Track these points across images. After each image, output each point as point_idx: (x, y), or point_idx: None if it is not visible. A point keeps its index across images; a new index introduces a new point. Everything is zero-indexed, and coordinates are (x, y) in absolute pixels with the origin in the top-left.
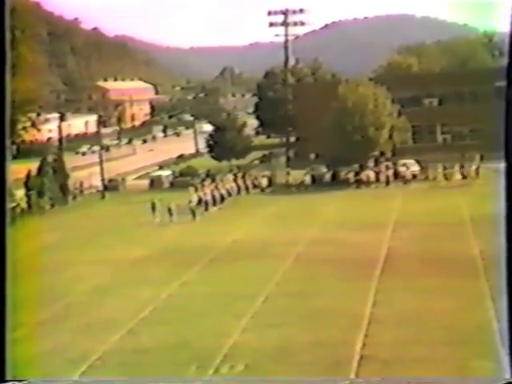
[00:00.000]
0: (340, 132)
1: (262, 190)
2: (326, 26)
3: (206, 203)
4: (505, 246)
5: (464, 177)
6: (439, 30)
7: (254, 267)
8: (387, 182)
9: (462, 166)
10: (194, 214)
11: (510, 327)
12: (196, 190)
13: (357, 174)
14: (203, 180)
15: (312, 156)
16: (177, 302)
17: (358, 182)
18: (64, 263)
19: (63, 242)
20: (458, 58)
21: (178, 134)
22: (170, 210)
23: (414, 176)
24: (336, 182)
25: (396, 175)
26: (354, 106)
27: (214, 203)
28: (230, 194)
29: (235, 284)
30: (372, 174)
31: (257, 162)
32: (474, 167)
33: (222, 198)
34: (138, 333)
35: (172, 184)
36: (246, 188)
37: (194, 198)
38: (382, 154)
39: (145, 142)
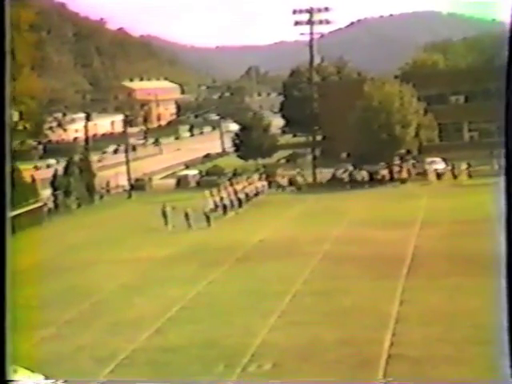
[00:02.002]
0: (366, 130)
1: (285, 188)
2: (352, 23)
3: (225, 207)
4: (505, 246)
5: (490, 174)
6: (466, 27)
7: (281, 266)
8: (413, 180)
9: (487, 164)
10: (208, 220)
11: (510, 327)
12: (211, 194)
13: (384, 171)
14: (230, 179)
15: (338, 155)
16: (204, 300)
17: (384, 180)
18: (91, 262)
19: (90, 241)
20: (484, 54)
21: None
22: (186, 215)
23: (441, 174)
24: (363, 181)
25: (422, 173)
26: (379, 105)
27: (232, 207)
28: (256, 194)
29: (262, 283)
30: (399, 172)
31: (283, 161)
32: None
33: (240, 202)
34: (166, 332)
35: (198, 183)
36: (273, 187)
37: (210, 203)
38: (408, 152)
39: (177, 138)
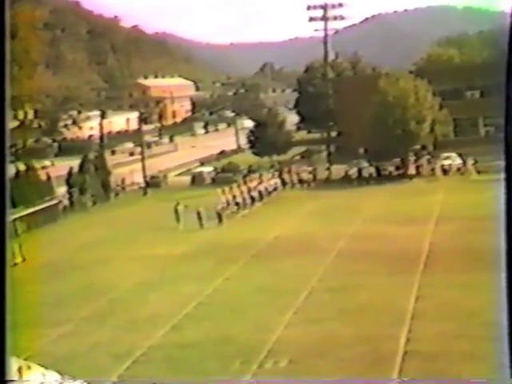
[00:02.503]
0: (381, 126)
1: (299, 185)
2: (366, 19)
3: (237, 205)
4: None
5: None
6: (481, 20)
7: (297, 263)
8: (429, 176)
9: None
10: (220, 218)
11: (510, 327)
12: (224, 192)
13: (398, 168)
14: (245, 176)
15: (353, 151)
16: (220, 297)
17: (400, 176)
18: (107, 259)
19: (106, 238)
20: (500, 48)
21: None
22: (198, 214)
23: (448, 170)
24: (377, 177)
25: (437, 169)
26: (394, 100)
27: (245, 205)
28: (269, 192)
29: (278, 279)
30: (413, 168)
31: (298, 157)
32: None
33: (253, 200)
34: (182, 328)
35: (214, 180)
36: (288, 184)
37: (222, 202)
38: (423, 147)
39: (193, 135)
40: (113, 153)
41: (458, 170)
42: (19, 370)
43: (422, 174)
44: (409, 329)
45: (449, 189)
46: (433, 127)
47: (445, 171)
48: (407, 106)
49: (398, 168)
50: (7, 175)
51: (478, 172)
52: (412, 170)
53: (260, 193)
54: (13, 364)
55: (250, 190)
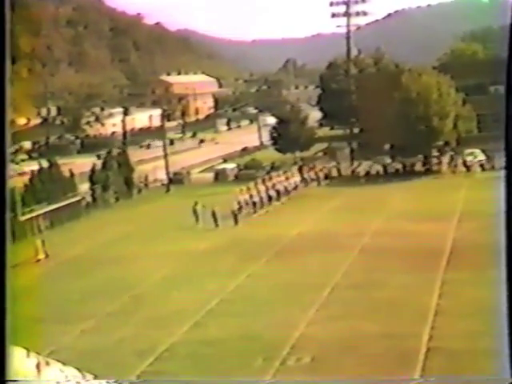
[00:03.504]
0: (404, 122)
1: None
2: (389, 15)
3: (254, 205)
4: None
5: None
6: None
7: (320, 259)
8: (452, 172)
9: None
10: (236, 218)
11: (510, 327)
12: (241, 191)
13: (421, 164)
14: (268, 172)
15: (376, 147)
16: (244, 293)
17: (422, 173)
18: (130, 256)
19: (129, 235)
20: None
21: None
22: (214, 213)
23: (480, 166)
24: (400, 173)
25: (460, 165)
26: (417, 96)
27: (262, 205)
28: (287, 192)
29: (301, 276)
30: (436, 164)
31: (320, 154)
32: None
33: (270, 199)
34: (206, 325)
35: (236, 177)
36: (310, 180)
37: (238, 201)
38: (446, 143)
39: (216, 132)
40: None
41: (482, 166)
42: (37, 366)
43: (444, 170)
44: (432, 326)
45: (472, 185)
46: (456, 123)
47: (468, 167)
48: (430, 102)
49: (421, 164)
50: (7, 175)
51: (483, 169)
52: (435, 167)
53: (278, 192)
54: (31, 360)
55: (268, 189)
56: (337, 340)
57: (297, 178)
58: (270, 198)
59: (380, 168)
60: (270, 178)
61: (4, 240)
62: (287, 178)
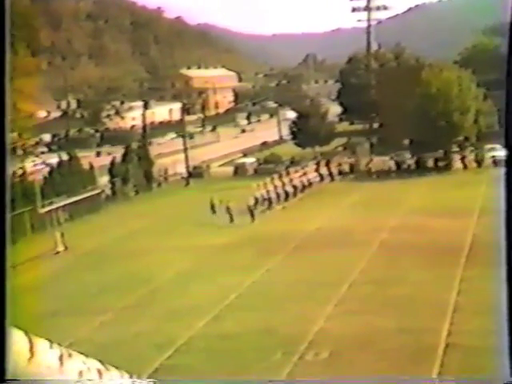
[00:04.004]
0: (424, 117)
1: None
2: (410, 9)
3: (270, 201)
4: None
5: None
6: None
7: (338, 254)
8: (472, 168)
9: None
10: (252, 214)
11: (510, 327)
12: (258, 187)
13: (441, 159)
14: (287, 167)
15: (396, 142)
16: (261, 288)
17: (442, 168)
18: (149, 249)
19: (148, 228)
20: None
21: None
22: (228, 209)
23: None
24: (420, 168)
25: (480, 161)
26: (437, 91)
27: (278, 200)
28: (303, 187)
29: (319, 271)
30: (456, 160)
31: (340, 148)
32: None
33: (287, 195)
34: (224, 319)
35: (256, 171)
36: (329, 175)
37: (255, 197)
38: (466, 139)
39: (236, 126)
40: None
41: (501, 162)
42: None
43: (465, 166)
44: (450, 322)
45: (492, 181)
46: (477, 118)
47: (488, 163)
48: (451, 97)
49: (440, 160)
50: (7, 174)
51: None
52: (455, 162)
53: (295, 187)
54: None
55: (284, 185)
56: (355, 335)
57: (315, 174)
58: (287, 194)
59: (399, 163)
60: (288, 173)
61: (4, 239)
62: (305, 174)
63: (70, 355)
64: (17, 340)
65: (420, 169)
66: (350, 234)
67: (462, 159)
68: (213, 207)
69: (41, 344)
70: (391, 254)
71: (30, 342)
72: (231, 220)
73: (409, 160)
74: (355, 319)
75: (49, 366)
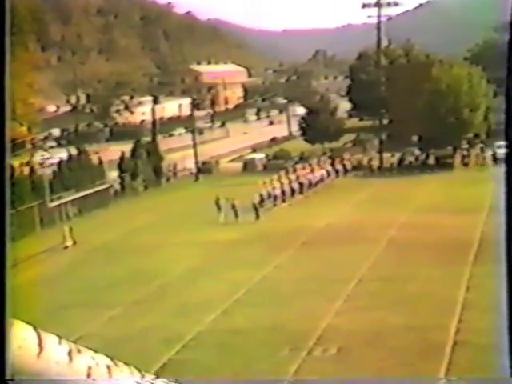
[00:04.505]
0: (433, 114)
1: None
2: (420, 5)
3: (275, 198)
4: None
5: None
6: None
7: (347, 251)
8: (481, 165)
9: None
10: (257, 212)
11: (510, 327)
12: (265, 184)
13: (450, 156)
14: (296, 163)
15: (405, 139)
16: (270, 284)
17: (452, 165)
18: (158, 244)
19: (157, 223)
20: None
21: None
22: (234, 206)
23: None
24: (429, 165)
25: (490, 158)
26: (447, 88)
27: (284, 198)
28: (310, 185)
29: (328, 267)
30: (466, 157)
31: (349, 144)
32: None
33: (293, 192)
34: (232, 314)
35: (265, 167)
36: (339, 172)
37: (260, 194)
38: (476, 135)
39: (245, 121)
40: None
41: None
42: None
43: (474, 162)
44: (459, 319)
45: (501, 178)
46: (487, 115)
47: (498, 160)
48: (460, 94)
49: (450, 156)
50: (7, 173)
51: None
52: (465, 159)
53: (301, 185)
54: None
55: (291, 182)
56: (363, 332)
57: (323, 171)
58: (293, 191)
59: (408, 159)
60: (295, 170)
61: (4, 239)
62: (312, 171)
63: (79, 350)
64: (25, 335)
65: (429, 165)
66: (359, 230)
67: (470, 156)
68: (218, 205)
69: (49, 339)
70: (400, 251)
71: (39, 336)
72: (236, 218)
73: (418, 156)
74: (364, 315)
75: (58, 362)
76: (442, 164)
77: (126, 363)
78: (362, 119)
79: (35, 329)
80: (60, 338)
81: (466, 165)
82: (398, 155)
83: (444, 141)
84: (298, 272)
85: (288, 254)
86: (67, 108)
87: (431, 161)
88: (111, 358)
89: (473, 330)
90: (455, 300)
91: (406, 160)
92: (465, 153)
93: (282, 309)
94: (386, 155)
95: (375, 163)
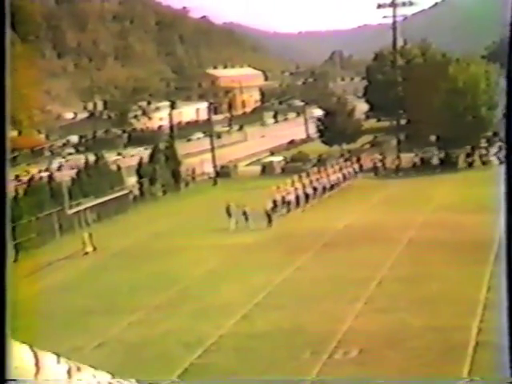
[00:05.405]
0: (451, 113)
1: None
2: (436, 4)
3: (289, 204)
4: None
5: None
6: None
7: (367, 252)
8: (501, 163)
9: None
10: (270, 219)
11: (510, 326)
12: (278, 189)
13: (469, 155)
14: (314, 165)
15: (423, 139)
16: (291, 286)
17: (470, 164)
18: (178, 249)
19: (176, 227)
20: None
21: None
22: (245, 213)
23: None
24: (447, 165)
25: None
26: (464, 86)
27: (298, 204)
28: (324, 189)
29: (348, 269)
30: (485, 155)
31: (367, 146)
32: None
33: (307, 197)
34: (253, 318)
35: (283, 170)
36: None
37: (273, 200)
38: (495, 134)
39: (262, 125)
40: None
41: None
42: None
43: (493, 161)
44: (480, 319)
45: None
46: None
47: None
48: (478, 92)
49: (468, 155)
50: (7, 175)
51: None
52: (483, 158)
53: (315, 189)
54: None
55: (305, 187)
56: (384, 333)
57: (339, 174)
58: (307, 197)
59: (426, 159)
60: (300, 178)
61: (4, 239)
62: (328, 175)
63: (78, 369)
64: (21, 355)
65: (447, 165)
66: (378, 231)
67: (489, 155)
68: (228, 212)
69: (47, 358)
70: (420, 251)
71: (36, 356)
72: (247, 224)
73: (436, 156)
74: (384, 317)
75: (56, 381)
76: (461, 163)
77: (133, 379)
78: (379, 120)
79: (32, 349)
80: (59, 356)
81: (484, 163)
82: (416, 155)
83: (462, 140)
84: (318, 274)
85: (308, 255)
86: (84, 115)
87: (449, 160)
88: (113, 375)
89: (494, 330)
90: (476, 300)
91: (424, 160)
92: (484, 151)
93: (303, 311)
94: (404, 155)
95: (393, 164)
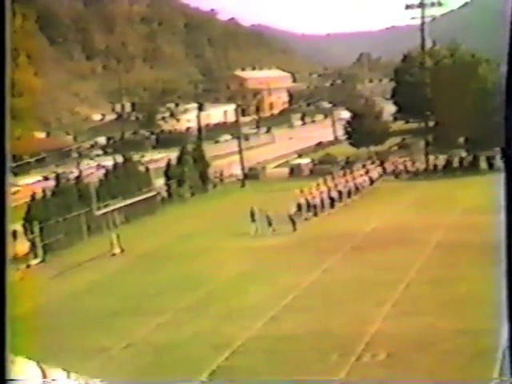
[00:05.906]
0: (480, 114)
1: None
2: (465, 4)
3: (315, 207)
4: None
5: None
6: None
7: (395, 254)
8: None
9: None
10: (294, 223)
11: (510, 326)
12: (302, 192)
13: (499, 157)
14: (342, 168)
15: (452, 140)
16: (319, 288)
17: (500, 166)
18: (206, 250)
19: (204, 229)
20: None
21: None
22: (268, 218)
23: None
24: (476, 166)
25: None
26: (494, 87)
27: (323, 208)
28: (349, 193)
29: (376, 271)
30: None
31: (395, 148)
32: None
33: (333, 202)
34: (281, 320)
35: (311, 172)
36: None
37: (296, 204)
38: None
39: (290, 127)
40: None
41: None
42: None
43: None
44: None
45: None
46: None
47: None
48: None
49: (498, 157)
50: (7, 176)
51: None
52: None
53: (340, 193)
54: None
55: (330, 190)
56: (412, 336)
57: (365, 177)
58: (332, 200)
59: (455, 161)
60: (325, 181)
61: (4, 239)
62: (354, 178)
63: None
64: (28, 372)
65: (476, 167)
66: (406, 233)
67: None
68: (253, 216)
69: (56, 375)
70: (448, 253)
71: (43, 373)
72: (270, 229)
73: (465, 158)
74: (412, 320)
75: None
76: (489, 165)
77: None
78: (407, 122)
79: (39, 365)
80: (68, 372)
81: None
82: (444, 157)
83: (491, 141)
84: (346, 276)
85: (336, 257)
86: (113, 116)
87: (478, 162)
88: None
89: None
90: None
91: (452, 162)
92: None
93: (331, 314)
94: (432, 157)
95: (421, 166)
